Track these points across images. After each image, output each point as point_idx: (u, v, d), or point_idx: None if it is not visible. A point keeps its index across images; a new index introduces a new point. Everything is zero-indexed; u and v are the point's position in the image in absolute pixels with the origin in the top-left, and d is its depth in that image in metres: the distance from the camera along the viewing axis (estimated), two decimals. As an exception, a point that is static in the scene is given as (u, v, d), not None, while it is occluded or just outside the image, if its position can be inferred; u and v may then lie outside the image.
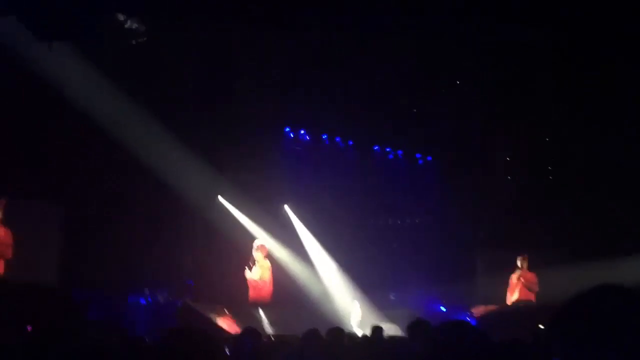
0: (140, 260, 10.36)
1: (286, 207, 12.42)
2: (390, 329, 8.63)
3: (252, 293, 10.03)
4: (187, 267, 11.20)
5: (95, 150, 10.06)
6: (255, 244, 10.32)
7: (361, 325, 10.05)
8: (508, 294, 10.37)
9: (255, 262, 10.04)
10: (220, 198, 11.87)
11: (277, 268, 10.68)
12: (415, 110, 12.00)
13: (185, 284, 10.86)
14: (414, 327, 4.58)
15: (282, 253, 11.49)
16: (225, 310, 9.13)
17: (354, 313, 10.53)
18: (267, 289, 10.08)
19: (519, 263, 10.22)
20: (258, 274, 10.03)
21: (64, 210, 10.14)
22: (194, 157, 10.59)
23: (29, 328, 5.58)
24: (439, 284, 12.03)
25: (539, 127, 12.04)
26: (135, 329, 8.94)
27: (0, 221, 8.37)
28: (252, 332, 4.06)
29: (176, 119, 10.38)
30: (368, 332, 6.44)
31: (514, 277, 10.31)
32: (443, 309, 11.99)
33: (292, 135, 12.61)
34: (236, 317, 9.02)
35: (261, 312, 9.43)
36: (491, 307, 10.37)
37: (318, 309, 10.84)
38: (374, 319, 9.87)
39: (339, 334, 4.96)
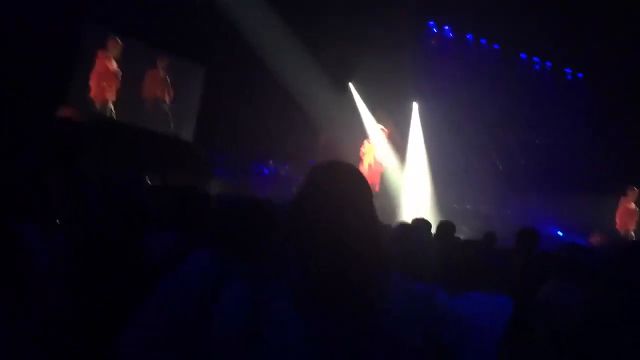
0: (270, 134, 10.77)
1: (414, 105, 12.21)
2: None
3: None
4: (311, 147, 11.53)
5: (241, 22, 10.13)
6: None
7: None
8: None
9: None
10: (351, 85, 11.88)
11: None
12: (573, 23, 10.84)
13: (307, 162, 11.25)
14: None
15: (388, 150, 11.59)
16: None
17: None
18: (376, 175, 10.43)
19: None
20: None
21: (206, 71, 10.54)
22: (333, 42, 10.54)
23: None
24: (560, 209, 11.40)
25: None
26: (255, 194, 9.52)
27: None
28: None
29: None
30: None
31: None
32: (560, 233, 11.48)
33: (435, 31, 12.07)
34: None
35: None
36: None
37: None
38: None
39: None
